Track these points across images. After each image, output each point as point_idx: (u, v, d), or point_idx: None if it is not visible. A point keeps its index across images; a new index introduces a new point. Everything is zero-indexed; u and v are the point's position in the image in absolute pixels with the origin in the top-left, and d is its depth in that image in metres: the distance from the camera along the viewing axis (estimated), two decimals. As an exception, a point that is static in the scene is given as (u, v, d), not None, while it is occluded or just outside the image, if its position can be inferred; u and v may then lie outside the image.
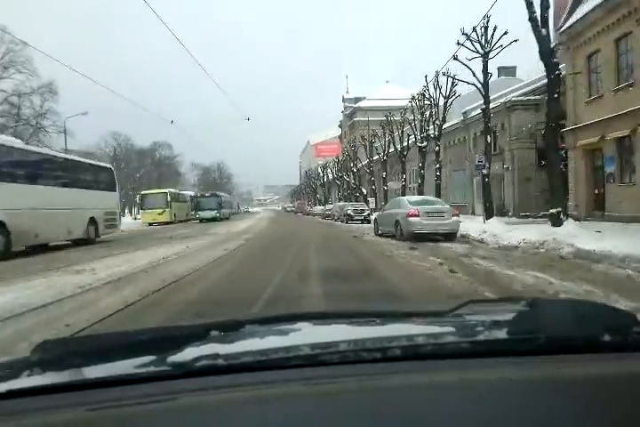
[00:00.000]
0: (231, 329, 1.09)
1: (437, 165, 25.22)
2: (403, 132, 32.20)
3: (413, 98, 27.84)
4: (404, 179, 32.33)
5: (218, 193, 46.12)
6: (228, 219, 43.64)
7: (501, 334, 0.98)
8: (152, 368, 0.82)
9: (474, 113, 27.15)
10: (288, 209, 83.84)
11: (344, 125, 71.40)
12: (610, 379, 0.77)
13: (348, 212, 28.65)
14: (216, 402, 0.71)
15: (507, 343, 0.91)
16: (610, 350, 0.87)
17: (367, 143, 41.25)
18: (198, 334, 1.00)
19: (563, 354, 0.85)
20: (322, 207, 50.72)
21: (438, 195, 23.70)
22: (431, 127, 25.99)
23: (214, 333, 1.02)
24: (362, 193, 43.92)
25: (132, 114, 75.72)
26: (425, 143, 27.08)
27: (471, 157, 25.55)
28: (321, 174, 69.85)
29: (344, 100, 70.92)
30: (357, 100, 66.37)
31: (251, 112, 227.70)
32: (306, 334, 1.07)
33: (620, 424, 0.64)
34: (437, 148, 25.35)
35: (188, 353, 0.85)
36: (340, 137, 76.49)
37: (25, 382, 0.82)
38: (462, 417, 0.65)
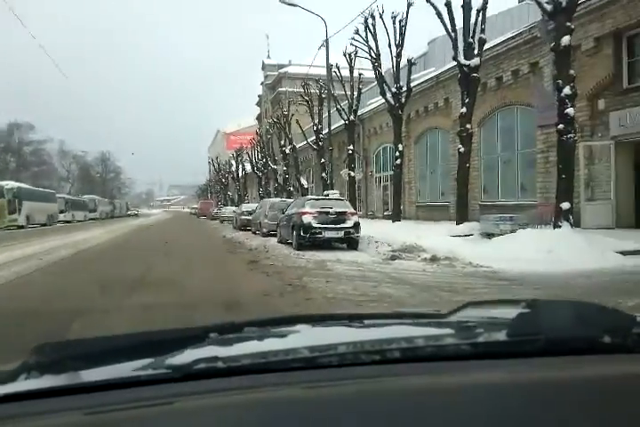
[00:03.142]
0: (229, 332, 1.07)
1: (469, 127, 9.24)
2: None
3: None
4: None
5: None
6: None
7: (501, 335, 0.94)
8: (150, 371, 0.80)
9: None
10: (192, 211, 65.38)
11: (264, 101, 54.38)
12: (610, 380, 0.76)
13: (307, 221, 11.18)
14: (214, 405, 0.70)
15: (506, 345, 0.89)
16: (610, 351, 0.86)
17: (315, 101, 24.42)
18: (196, 337, 0.98)
19: (562, 356, 0.84)
20: (233, 209, 31.37)
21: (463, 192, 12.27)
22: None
23: (213, 335, 1.00)
24: (301, 186, 27.55)
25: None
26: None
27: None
28: (234, 166, 52.62)
29: (264, 67, 53.79)
30: (281, 67, 49.94)
31: (157, 100, 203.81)
32: (305, 337, 1.04)
33: (620, 426, 0.63)
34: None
35: (187, 356, 0.83)
36: (257, 118, 59.35)
37: (21, 385, 0.79)
38: (462, 420, 0.64)
